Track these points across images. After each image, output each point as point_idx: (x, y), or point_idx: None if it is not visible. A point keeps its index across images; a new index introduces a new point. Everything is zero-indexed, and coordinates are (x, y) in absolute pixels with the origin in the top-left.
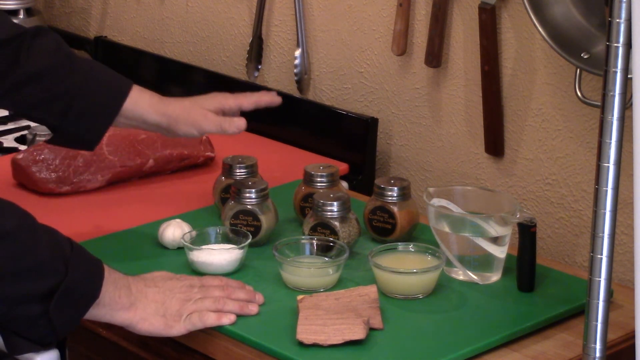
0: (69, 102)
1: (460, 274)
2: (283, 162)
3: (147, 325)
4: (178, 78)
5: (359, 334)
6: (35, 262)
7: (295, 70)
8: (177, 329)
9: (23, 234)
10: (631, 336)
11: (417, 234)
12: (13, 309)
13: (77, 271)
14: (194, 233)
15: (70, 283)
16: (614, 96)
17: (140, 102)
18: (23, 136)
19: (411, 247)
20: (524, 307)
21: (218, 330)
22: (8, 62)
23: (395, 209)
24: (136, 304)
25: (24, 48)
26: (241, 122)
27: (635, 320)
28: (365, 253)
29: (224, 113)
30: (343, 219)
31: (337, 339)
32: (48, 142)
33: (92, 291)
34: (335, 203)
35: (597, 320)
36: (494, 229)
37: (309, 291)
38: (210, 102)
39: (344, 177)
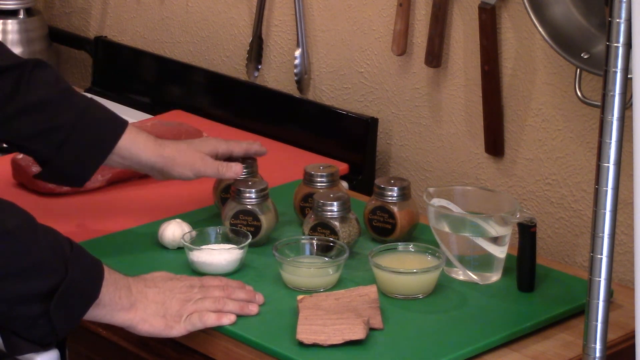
0: (65, 135)
1: (460, 274)
2: (283, 162)
3: (147, 326)
4: (178, 78)
5: (359, 334)
6: (35, 262)
7: (295, 70)
8: (177, 330)
9: (23, 233)
10: (631, 336)
11: (417, 234)
12: (13, 309)
13: (77, 271)
14: (194, 233)
15: (70, 283)
16: (614, 96)
17: (137, 141)
18: None
19: (411, 247)
20: (524, 307)
21: (218, 330)
22: (9, 90)
23: (395, 209)
24: (136, 304)
25: (25, 78)
26: (238, 168)
27: (635, 320)
28: (365, 253)
29: (217, 156)
30: (343, 219)
31: (337, 339)
32: (36, 177)
33: (92, 291)
34: (335, 203)
35: (597, 320)
36: (494, 229)
37: (309, 291)
38: (205, 146)
39: (344, 177)
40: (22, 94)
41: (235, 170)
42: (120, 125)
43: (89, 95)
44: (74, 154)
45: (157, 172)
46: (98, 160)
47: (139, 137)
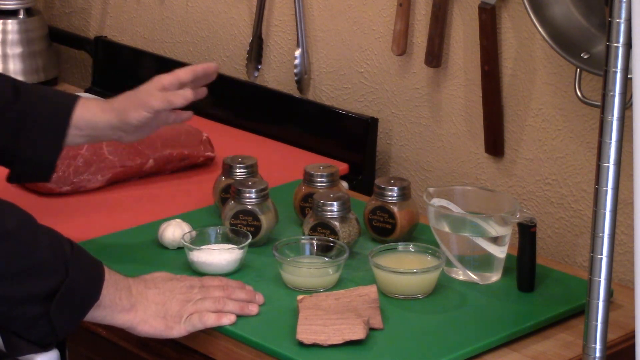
0: (20, 122)
1: (460, 274)
2: (283, 162)
3: (148, 327)
4: None
5: (359, 334)
6: (35, 262)
7: (295, 70)
8: (178, 330)
9: (24, 234)
10: (631, 336)
11: (417, 234)
12: (13, 309)
13: (78, 272)
14: (194, 233)
15: (71, 284)
16: (614, 96)
17: (90, 107)
18: None
19: (411, 247)
20: (524, 307)
21: (218, 330)
22: None
23: (395, 209)
24: (136, 305)
25: None
26: (187, 93)
27: (635, 320)
28: (365, 253)
29: (165, 88)
30: (343, 219)
31: (337, 339)
32: (8, 181)
33: (92, 293)
34: (335, 203)
35: (597, 320)
36: (494, 229)
37: (309, 291)
38: (150, 84)
39: (344, 177)
40: None
41: (185, 95)
42: (72, 99)
43: (87, 94)
44: (35, 137)
45: (117, 129)
46: (59, 138)
47: (91, 104)
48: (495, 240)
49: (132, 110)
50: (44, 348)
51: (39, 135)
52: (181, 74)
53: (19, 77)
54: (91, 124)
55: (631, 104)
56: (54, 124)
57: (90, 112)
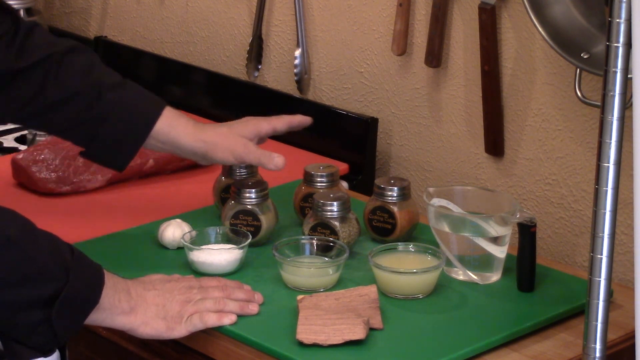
0: (94, 129)
1: (460, 274)
2: None
3: (149, 329)
4: (178, 78)
5: (359, 334)
6: (37, 268)
7: (295, 70)
8: (179, 331)
9: (25, 241)
10: (631, 336)
11: (417, 234)
12: (15, 316)
13: (79, 277)
14: (194, 233)
15: (71, 289)
16: (614, 96)
17: (176, 126)
18: (23, 136)
19: (411, 247)
20: (524, 307)
21: (218, 330)
22: (36, 87)
23: (395, 209)
24: (136, 308)
25: (52, 73)
26: (279, 161)
27: (635, 320)
28: (365, 253)
29: (260, 137)
30: (343, 219)
31: (337, 339)
32: (80, 154)
33: (92, 297)
34: (335, 203)
35: (597, 320)
36: (494, 229)
37: (309, 291)
38: (246, 130)
39: (344, 177)
40: (48, 91)
41: (276, 163)
42: (155, 111)
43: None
44: (107, 145)
45: (200, 157)
46: (134, 148)
47: (178, 122)
48: (495, 240)
49: (221, 152)
50: (44, 354)
51: (112, 144)
52: (278, 126)
53: None
54: (174, 143)
55: (631, 104)
56: (130, 137)
57: (176, 132)
